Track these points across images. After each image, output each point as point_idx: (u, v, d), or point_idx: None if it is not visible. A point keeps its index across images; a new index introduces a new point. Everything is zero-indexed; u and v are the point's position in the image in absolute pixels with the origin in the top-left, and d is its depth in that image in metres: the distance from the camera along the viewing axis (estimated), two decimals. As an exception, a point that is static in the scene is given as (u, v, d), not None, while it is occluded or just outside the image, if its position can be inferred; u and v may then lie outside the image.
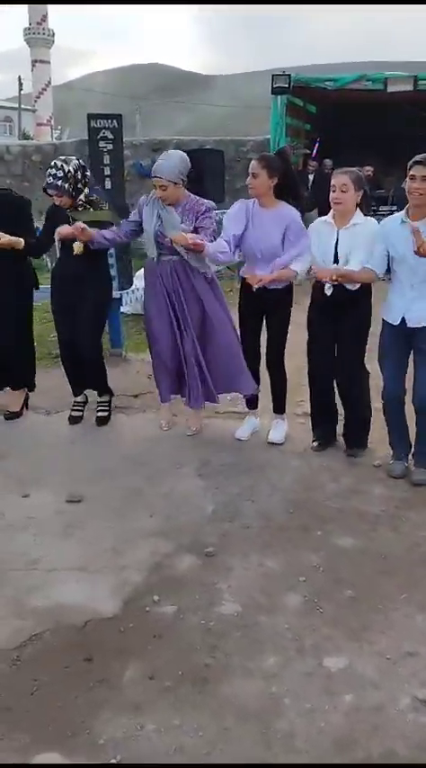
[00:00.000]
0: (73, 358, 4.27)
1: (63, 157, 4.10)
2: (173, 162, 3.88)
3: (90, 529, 3.10)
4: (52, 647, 2.35)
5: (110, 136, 8.84)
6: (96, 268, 4.18)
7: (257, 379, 4.16)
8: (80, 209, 4.05)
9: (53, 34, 41.75)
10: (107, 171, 8.99)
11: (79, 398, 4.45)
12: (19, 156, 14.24)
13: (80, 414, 4.41)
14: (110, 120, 8.83)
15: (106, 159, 8.93)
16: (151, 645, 2.36)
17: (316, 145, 11.75)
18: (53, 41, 41.78)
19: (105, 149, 8.94)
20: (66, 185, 3.95)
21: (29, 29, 40.87)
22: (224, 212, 4.31)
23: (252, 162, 3.81)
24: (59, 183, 3.94)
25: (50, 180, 3.97)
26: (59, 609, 2.53)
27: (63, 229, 3.95)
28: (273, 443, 4.00)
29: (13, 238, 4.00)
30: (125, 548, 2.94)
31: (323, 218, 3.81)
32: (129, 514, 3.23)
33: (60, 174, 3.95)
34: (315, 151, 11.68)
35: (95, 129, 8.76)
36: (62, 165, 3.98)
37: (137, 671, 2.24)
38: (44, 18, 41.02)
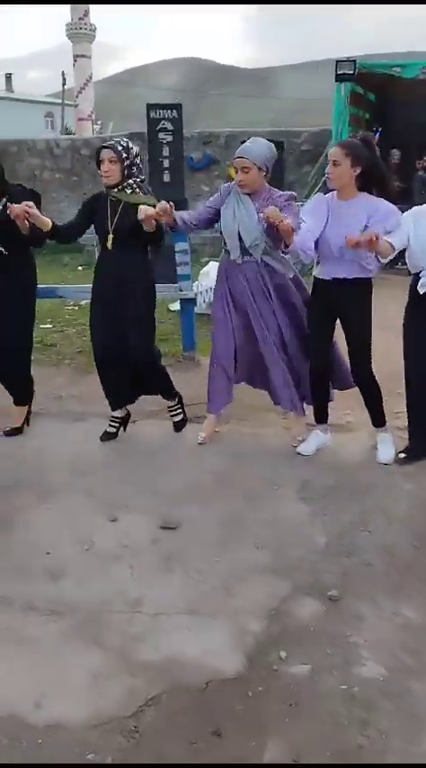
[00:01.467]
0: (116, 365, 3.86)
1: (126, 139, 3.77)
2: (261, 147, 3.57)
3: (192, 562, 2.75)
4: (172, 715, 2.01)
5: (170, 127, 8.53)
6: (140, 265, 3.78)
7: (327, 391, 3.79)
8: (128, 190, 3.63)
9: (95, 29, 41.67)
10: (166, 163, 8.71)
11: (118, 414, 4.04)
12: (68, 151, 14.04)
13: (115, 430, 4.02)
14: (170, 111, 8.51)
15: (165, 151, 8.64)
16: (288, 716, 2.00)
17: (378, 136, 11.24)
18: (95, 36, 41.73)
19: (165, 141, 8.64)
20: (124, 155, 3.59)
21: (71, 24, 40.91)
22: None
23: (334, 148, 3.41)
24: (119, 148, 3.59)
25: (111, 143, 3.64)
26: (174, 665, 2.19)
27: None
28: (383, 464, 3.61)
29: (42, 217, 3.57)
30: (236, 587, 2.59)
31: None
32: (233, 546, 2.88)
33: (122, 144, 3.63)
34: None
35: (155, 119, 8.46)
36: (126, 141, 3.67)
37: (278, 750, 1.89)
38: (86, 13, 41.00)
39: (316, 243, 3.48)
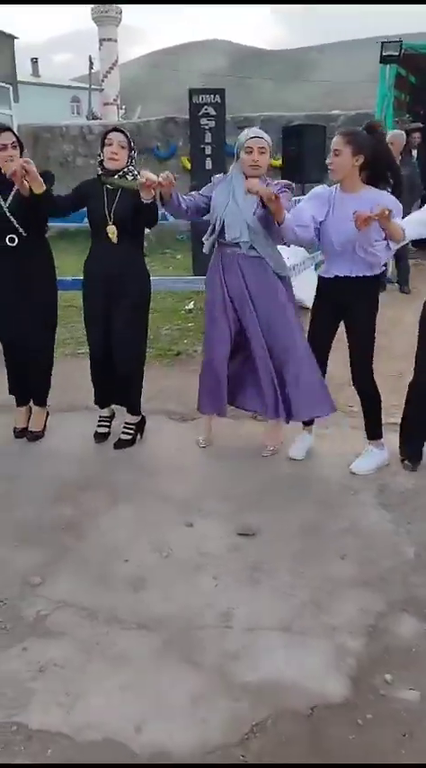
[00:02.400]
0: (104, 369, 3.76)
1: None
2: (265, 133, 3.44)
3: (278, 573, 2.64)
4: (280, 744, 1.90)
5: (213, 112, 8.31)
6: (134, 264, 3.66)
7: None
8: (129, 177, 3.48)
9: (120, 12, 41.25)
10: (208, 150, 8.50)
11: (105, 413, 3.96)
12: (100, 136, 13.90)
13: (106, 430, 3.93)
14: (212, 96, 8.29)
15: (207, 137, 8.44)
16: (403, 747, 1.89)
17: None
18: (120, 20, 41.32)
19: (207, 127, 8.43)
20: (131, 143, 3.53)
21: (96, 8, 40.52)
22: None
23: (336, 137, 3.21)
24: (128, 135, 3.53)
25: (122, 127, 3.59)
26: (275, 687, 2.09)
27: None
28: (354, 473, 3.45)
29: (39, 177, 3.37)
30: (327, 601, 2.48)
31: None
32: (316, 555, 2.76)
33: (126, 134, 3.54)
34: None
35: (197, 105, 8.26)
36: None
37: (399, 786, 1.78)
38: (112, -4, 40.54)
39: (319, 236, 3.33)
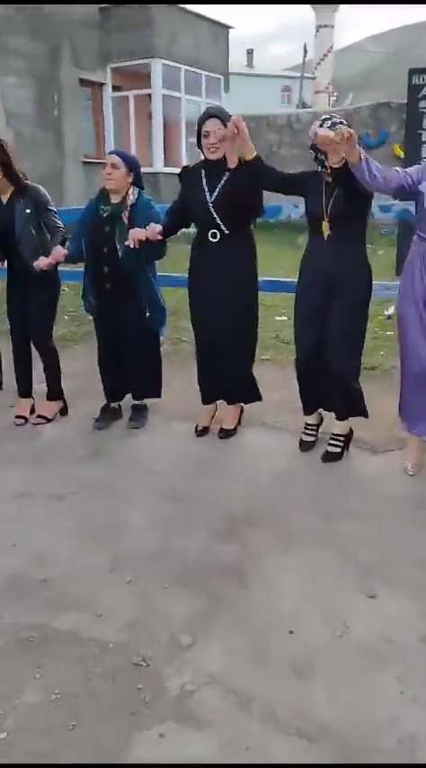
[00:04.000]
0: (313, 370, 3.51)
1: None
2: None
3: None
4: None
5: (434, 95, 7.47)
6: (352, 260, 3.32)
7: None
8: None
9: (340, -4, 40.19)
10: (425, 136, 7.70)
11: (312, 419, 3.71)
12: (309, 125, 13.39)
13: (313, 439, 3.70)
14: (435, 76, 7.45)
15: (425, 122, 7.63)
16: None
17: None
18: (338, 5, 40.26)
19: (426, 110, 7.61)
20: None
21: (316, -6, 39.84)
22: None
23: None
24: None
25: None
26: None
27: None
28: None
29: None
30: None
31: None
32: None
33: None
34: None
35: (416, 86, 7.45)
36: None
37: None
38: (332, -21, 39.64)
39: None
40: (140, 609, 2.39)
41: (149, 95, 13.63)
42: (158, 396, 4.07)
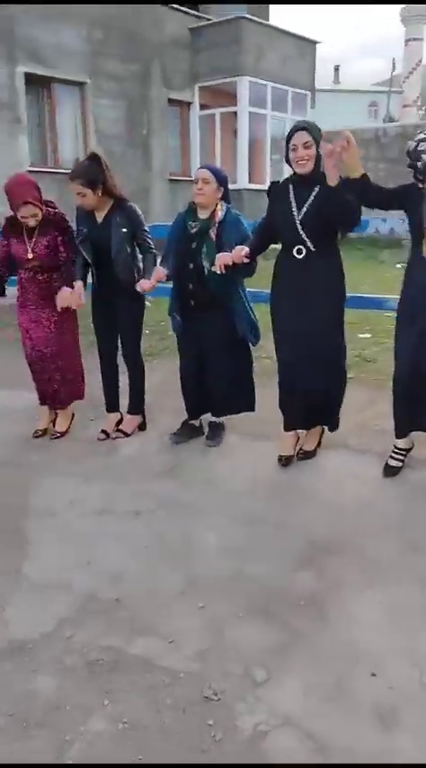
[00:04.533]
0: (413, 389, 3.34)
1: None
2: None
3: None
4: None
5: None
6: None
7: None
8: None
9: (430, 9, 39.40)
10: None
11: (403, 444, 3.50)
12: (396, 139, 13.12)
13: (400, 464, 3.49)
14: None
15: None
16: None
17: None
18: (429, 16, 39.46)
19: None
20: None
21: (407, 8, 39.29)
22: None
23: None
24: None
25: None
26: None
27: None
28: None
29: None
30: None
31: None
32: None
33: None
34: None
35: None
36: None
37: None
38: (424, -7, 38.93)
39: None
40: (212, 638, 2.29)
41: (235, 113, 13.72)
42: (251, 409, 3.95)
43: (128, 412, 4.15)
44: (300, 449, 3.69)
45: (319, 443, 3.74)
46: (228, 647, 2.25)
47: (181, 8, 13.29)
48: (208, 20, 13.78)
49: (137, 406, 4.14)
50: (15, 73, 10.64)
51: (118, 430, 4.09)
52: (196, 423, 4.06)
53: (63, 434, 4.14)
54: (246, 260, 3.37)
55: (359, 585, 2.55)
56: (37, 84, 11.15)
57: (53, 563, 2.78)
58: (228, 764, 1.75)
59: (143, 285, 3.63)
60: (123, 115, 12.47)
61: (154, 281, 3.61)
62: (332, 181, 3.11)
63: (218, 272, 3.41)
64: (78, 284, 3.79)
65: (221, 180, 3.59)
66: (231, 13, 13.58)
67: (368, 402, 4.40)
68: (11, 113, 10.66)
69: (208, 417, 4.04)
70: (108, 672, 2.15)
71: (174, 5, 13.04)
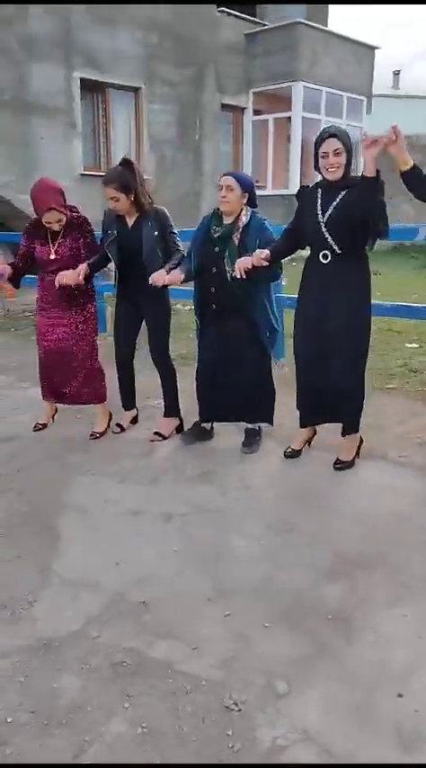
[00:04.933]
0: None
1: None
2: None
3: None
4: None
5: None
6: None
7: None
8: None
9: None
10: None
11: None
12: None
13: None
14: None
15: None
16: None
17: None
18: None
19: None
20: None
21: None
22: None
23: None
24: None
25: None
26: None
27: None
28: None
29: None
30: None
31: None
32: None
33: None
34: None
35: None
36: None
37: None
38: None
39: None
40: (237, 646, 2.27)
41: (289, 118, 13.67)
42: (268, 422, 3.96)
43: (165, 415, 4.17)
44: (337, 459, 3.64)
45: (357, 454, 3.68)
46: (252, 656, 2.22)
47: (237, 13, 13.32)
48: (264, 25, 13.77)
49: (171, 408, 4.16)
50: (72, 78, 10.85)
51: (156, 433, 4.11)
52: (207, 426, 4.06)
53: (102, 434, 4.18)
54: (266, 263, 3.38)
55: (389, 602, 2.49)
56: (92, 89, 11.35)
57: (83, 561, 2.80)
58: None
59: (155, 278, 3.67)
60: (176, 120, 12.57)
61: (168, 280, 3.67)
62: (370, 172, 3.08)
63: (238, 275, 3.42)
64: (82, 266, 3.84)
65: (246, 186, 3.61)
66: (288, 18, 13.55)
67: (410, 413, 4.31)
68: (66, 118, 10.88)
69: (243, 423, 4.02)
70: (131, 675, 2.15)
71: (229, 10, 13.09)
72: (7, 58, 10.03)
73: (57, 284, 3.83)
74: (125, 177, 3.74)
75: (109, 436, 4.20)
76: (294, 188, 13.17)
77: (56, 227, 3.85)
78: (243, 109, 14.01)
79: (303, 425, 3.74)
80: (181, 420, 4.19)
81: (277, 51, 13.26)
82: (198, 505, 3.27)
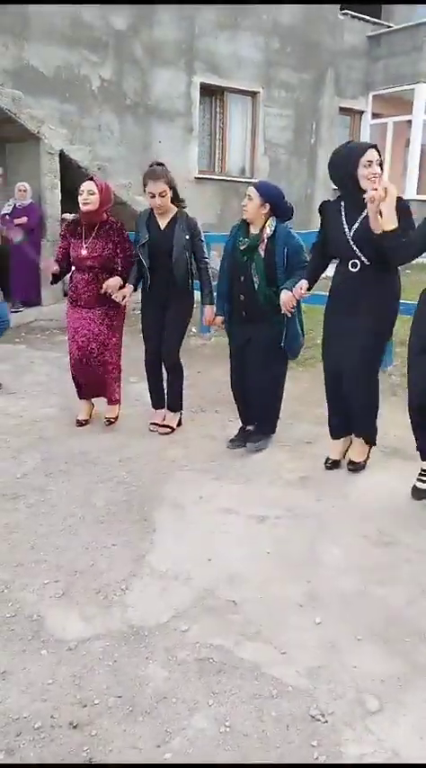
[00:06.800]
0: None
1: None
2: None
3: None
4: None
5: None
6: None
7: None
8: None
9: None
10: None
11: None
12: None
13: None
14: None
15: None
16: None
17: None
18: None
19: None
20: None
21: None
22: None
23: None
24: None
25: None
26: None
27: None
28: None
29: None
30: None
31: None
32: None
33: None
34: None
35: None
36: None
37: None
38: None
39: None
40: (326, 656, 2.20)
41: (409, 121, 13.24)
42: (272, 431, 4.00)
43: (168, 408, 4.32)
44: (350, 460, 3.65)
45: (367, 457, 3.65)
46: (342, 668, 2.14)
47: (361, 15, 13.08)
48: (389, 26, 13.43)
49: (175, 403, 4.30)
50: (192, 83, 11.06)
51: (165, 425, 4.27)
52: (251, 428, 4.06)
53: (116, 419, 4.40)
54: (307, 294, 3.49)
55: None
56: (210, 93, 11.51)
57: (175, 555, 2.82)
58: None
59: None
60: (291, 123, 12.51)
61: (206, 319, 4.07)
62: (375, 230, 3.07)
63: (288, 315, 3.58)
64: (129, 287, 4.04)
65: (268, 197, 3.64)
66: (416, 19, 13.13)
67: None
68: (185, 121, 11.10)
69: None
70: (216, 672, 2.14)
71: (352, 12, 12.87)
72: (133, 64, 10.36)
73: (103, 290, 4.03)
74: (169, 174, 3.92)
75: (207, 435, 4.22)
76: (411, 193, 12.76)
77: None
78: (361, 112, 13.73)
79: (332, 437, 3.74)
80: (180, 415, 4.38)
81: (401, 53, 12.89)
82: (292, 509, 3.21)
